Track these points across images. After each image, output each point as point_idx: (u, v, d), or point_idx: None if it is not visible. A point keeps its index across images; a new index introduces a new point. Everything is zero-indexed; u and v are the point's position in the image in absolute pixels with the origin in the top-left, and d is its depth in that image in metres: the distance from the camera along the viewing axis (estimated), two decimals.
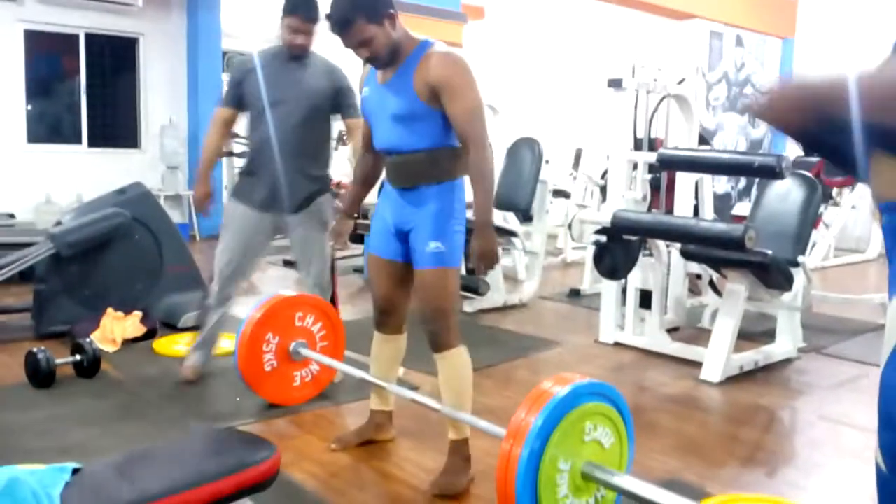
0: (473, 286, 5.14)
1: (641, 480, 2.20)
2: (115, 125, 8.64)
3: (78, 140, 8.30)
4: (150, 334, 4.29)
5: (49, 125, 8.36)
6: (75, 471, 1.44)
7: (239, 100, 3.43)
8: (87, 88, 8.27)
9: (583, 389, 2.17)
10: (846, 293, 5.66)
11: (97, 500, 1.36)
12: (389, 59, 2.52)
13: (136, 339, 4.21)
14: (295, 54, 3.36)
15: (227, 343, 4.16)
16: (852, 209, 7.35)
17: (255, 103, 3.37)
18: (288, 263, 6.78)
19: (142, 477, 1.46)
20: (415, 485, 2.60)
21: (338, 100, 3.48)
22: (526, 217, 5.73)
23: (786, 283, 4.03)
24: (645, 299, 4.46)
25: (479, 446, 2.68)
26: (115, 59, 8.50)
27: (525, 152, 5.74)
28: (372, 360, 2.94)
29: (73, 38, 8.12)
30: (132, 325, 4.22)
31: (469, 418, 2.59)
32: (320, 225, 3.55)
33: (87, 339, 3.71)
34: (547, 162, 5.75)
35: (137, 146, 8.70)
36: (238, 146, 6.74)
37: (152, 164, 8.57)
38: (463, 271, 5.10)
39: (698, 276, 5.12)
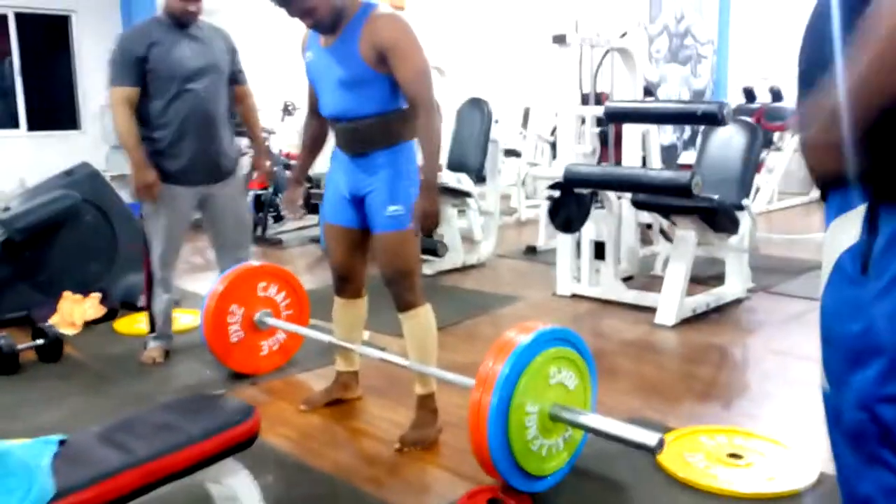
0: (432, 248, 5.20)
1: (602, 417, 2.31)
2: (53, 107, 8.39)
3: (15, 124, 8.05)
4: (111, 315, 4.26)
5: None
6: (61, 442, 1.47)
7: (141, 76, 3.25)
8: (21, 70, 8.01)
9: (545, 336, 2.26)
10: (791, 234, 5.87)
11: (87, 467, 1.40)
12: (333, 24, 2.52)
13: (96, 321, 4.17)
14: (185, 21, 3.29)
15: (188, 318, 4.18)
16: (794, 153, 7.57)
17: (168, 78, 3.25)
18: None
19: (128, 443, 1.50)
20: (388, 440, 2.68)
21: (233, 63, 3.48)
22: (479, 178, 5.78)
23: (732, 226, 4.18)
24: (599, 250, 4.58)
25: (448, 399, 2.77)
26: (48, 38, 8.23)
27: (474, 113, 5.77)
28: (335, 325, 2.99)
29: (2, 19, 7.84)
30: (91, 306, 4.18)
31: (437, 372, 2.67)
32: (243, 193, 3.63)
33: (48, 324, 3.68)
34: (497, 122, 5.80)
35: (78, 127, 8.48)
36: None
37: (94, 144, 8.36)
38: None
39: (649, 226, 5.27)
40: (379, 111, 2.57)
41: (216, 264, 3.69)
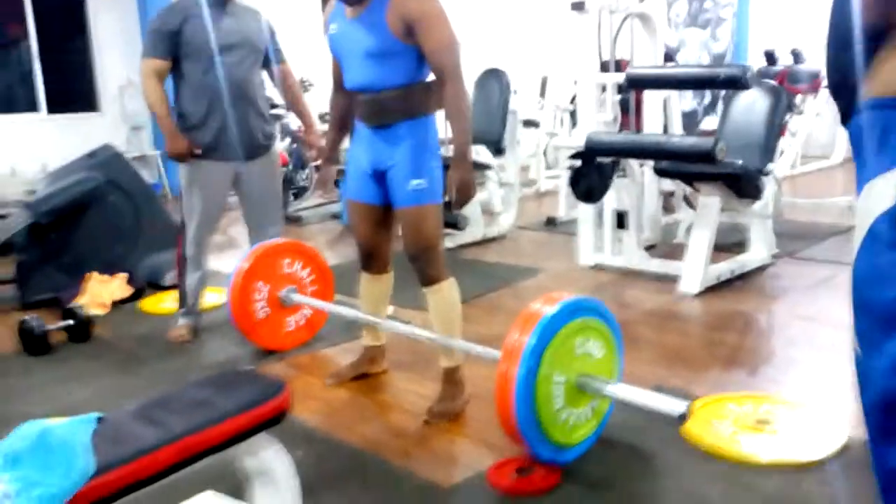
0: (453, 221, 5.20)
1: (628, 386, 2.32)
2: (72, 89, 8.44)
3: (35, 108, 8.11)
4: (137, 295, 4.32)
5: (3, 96, 8.15)
6: (99, 420, 1.50)
7: (174, 49, 3.30)
8: (39, 54, 8.05)
9: (571, 306, 2.26)
10: (814, 199, 5.80)
11: (126, 444, 1.42)
12: None
13: (123, 301, 4.23)
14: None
15: (214, 296, 4.22)
16: (816, 116, 7.45)
17: (201, 51, 3.28)
18: None
19: (164, 420, 1.52)
20: (415, 413, 2.70)
21: (268, 42, 3.50)
22: (498, 150, 5.75)
23: (756, 192, 4.14)
24: (621, 220, 4.55)
25: (474, 372, 2.79)
26: (64, 20, 8.26)
27: (493, 84, 5.73)
28: (362, 300, 3.01)
29: (18, 2, 7.86)
30: (119, 286, 4.24)
31: (463, 344, 2.69)
32: (277, 171, 3.66)
33: (77, 304, 3.74)
34: (515, 92, 5.75)
35: (97, 109, 8.53)
36: None
37: (114, 125, 8.42)
38: None
39: (671, 194, 5.22)
40: (403, 83, 2.57)
41: (248, 241, 3.71)
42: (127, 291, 4.26)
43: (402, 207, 2.65)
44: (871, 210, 1.04)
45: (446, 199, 2.62)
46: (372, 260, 2.90)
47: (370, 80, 2.59)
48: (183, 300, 3.65)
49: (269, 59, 3.54)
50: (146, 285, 4.44)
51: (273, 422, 1.66)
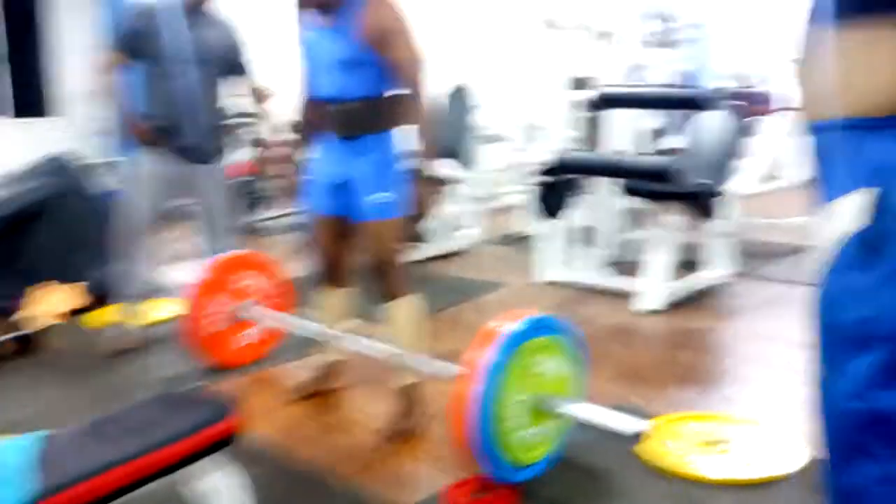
0: (416, 234, 5.18)
1: (587, 405, 2.31)
2: (28, 95, 8.27)
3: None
4: (91, 306, 4.22)
5: None
6: (43, 440, 1.45)
7: (136, 48, 3.31)
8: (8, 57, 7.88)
9: (533, 324, 2.26)
10: (770, 218, 5.90)
11: (71, 466, 1.38)
12: (329, 5, 2.52)
13: (76, 312, 4.13)
14: (194, 6, 3.33)
15: (167, 308, 4.14)
16: (775, 137, 7.60)
17: (163, 59, 3.30)
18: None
19: (112, 441, 1.48)
20: (372, 431, 2.67)
21: (235, 55, 3.52)
22: (464, 163, 5.75)
23: (716, 211, 4.19)
24: (584, 236, 4.57)
25: (433, 388, 2.75)
26: (18, 26, 8.08)
27: (458, 99, 5.74)
28: (323, 314, 2.97)
29: None
30: (73, 296, 4.13)
31: (423, 361, 2.66)
32: (223, 182, 3.67)
33: (25, 315, 3.63)
34: (480, 107, 5.77)
35: (57, 113, 8.36)
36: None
37: (77, 131, 8.26)
38: None
39: (633, 211, 5.26)
40: (371, 94, 2.57)
41: (203, 250, 3.66)
42: (80, 302, 4.15)
43: (366, 220, 2.63)
44: (836, 229, 1.04)
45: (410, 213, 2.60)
46: (333, 273, 2.86)
47: (338, 89, 2.58)
48: (120, 309, 3.61)
49: (235, 70, 3.54)
50: (100, 296, 4.33)
51: (222, 444, 1.62)
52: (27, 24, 8.16)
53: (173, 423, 1.58)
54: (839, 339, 1.06)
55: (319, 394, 2.99)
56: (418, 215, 2.55)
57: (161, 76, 3.33)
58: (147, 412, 1.66)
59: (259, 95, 3.77)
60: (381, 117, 2.60)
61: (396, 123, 2.64)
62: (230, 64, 3.52)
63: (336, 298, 2.92)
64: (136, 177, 3.43)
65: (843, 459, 1.09)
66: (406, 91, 2.52)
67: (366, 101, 2.57)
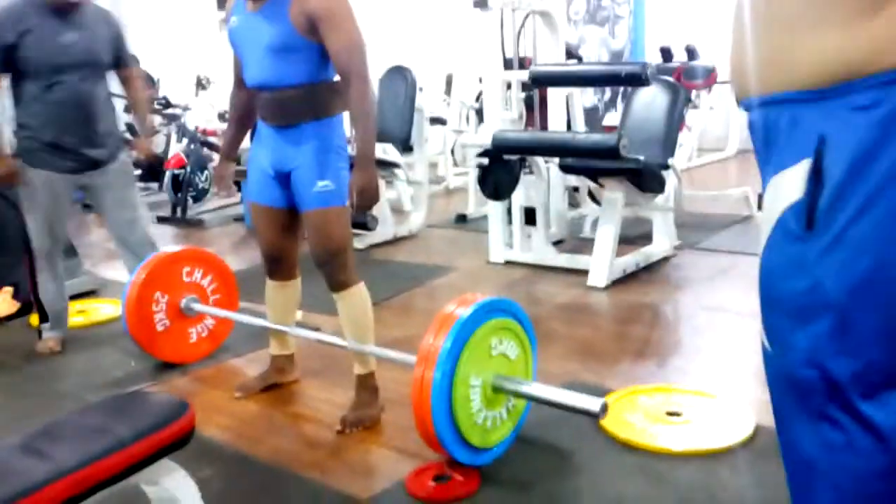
0: (362, 221, 5.10)
1: (547, 385, 2.31)
2: None
3: None
4: (24, 310, 4.04)
5: None
6: None
7: (9, 62, 3.11)
8: None
9: (485, 307, 2.24)
10: (710, 190, 6.01)
11: (8, 482, 1.29)
12: None
13: (8, 317, 3.96)
14: (64, 5, 3.13)
15: (110, 308, 4.00)
16: (710, 110, 7.73)
17: (41, 68, 3.11)
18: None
19: (52, 452, 1.39)
20: (328, 423, 2.62)
21: (117, 48, 3.37)
22: (405, 147, 5.70)
23: (658, 186, 4.24)
24: (529, 216, 4.58)
25: (388, 376, 2.72)
26: None
27: (398, 82, 5.67)
28: (268, 307, 2.89)
29: None
30: (3, 301, 3.96)
31: (377, 350, 2.62)
32: (132, 179, 3.58)
33: None
34: (421, 90, 5.71)
35: None
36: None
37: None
38: None
39: (576, 189, 5.30)
40: (307, 81, 2.47)
41: (118, 251, 3.59)
42: (13, 307, 3.98)
43: (309, 210, 2.56)
44: (778, 203, 1.04)
45: (351, 202, 2.54)
46: (277, 266, 2.79)
47: (271, 76, 2.48)
48: (43, 312, 3.47)
49: (117, 61, 3.39)
50: (33, 299, 4.15)
51: (176, 446, 1.55)
52: None
53: (121, 427, 1.50)
54: (784, 310, 1.06)
55: (272, 388, 2.92)
56: (359, 205, 2.47)
57: (44, 87, 3.13)
58: (91, 418, 1.58)
59: (139, 92, 3.63)
60: (320, 105, 2.51)
61: (337, 111, 2.56)
62: (115, 56, 3.35)
63: (282, 291, 2.84)
64: (29, 189, 3.27)
65: (798, 430, 1.10)
66: (345, 78, 2.44)
67: (301, 87, 2.47)
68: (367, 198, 2.45)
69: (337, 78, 2.51)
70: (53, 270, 3.41)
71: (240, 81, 2.71)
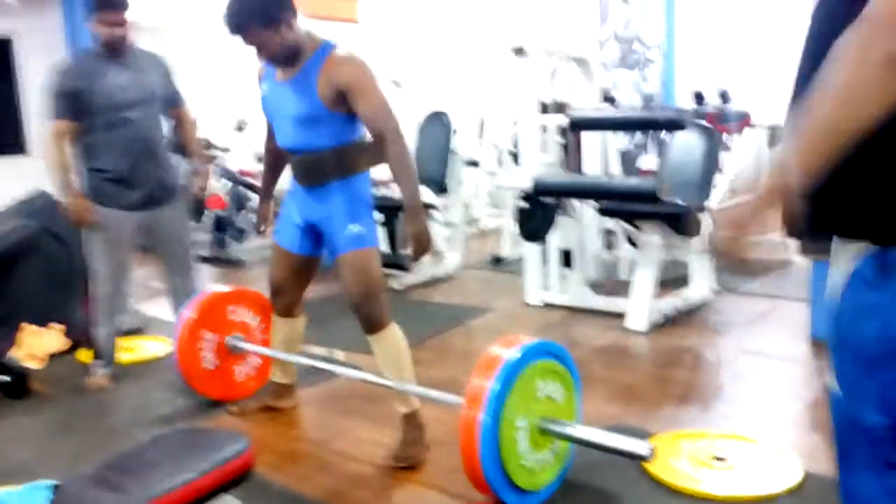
0: (399, 263, 5.18)
1: (592, 428, 2.33)
2: (9, 131, 8.16)
3: None
4: (74, 346, 4.14)
5: None
6: (55, 487, 1.42)
7: (76, 109, 3.28)
8: None
9: (532, 350, 2.27)
10: None
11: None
12: (288, 60, 2.58)
13: (59, 353, 4.05)
14: (116, 48, 3.32)
15: (155, 346, 4.09)
16: (743, 154, 7.75)
17: (104, 109, 3.28)
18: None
19: (124, 485, 1.45)
20: (373, 461, 2.65)
21: (168, 87, 3.53)
22: (440, 189, 5.78)
23: (696, 229, 4.26)
24: (566, 258, 4.61)
25: (429, 416, 2.75)
26: None
27: (435, 125, 5.78)
28: (273, 341, 3.09)
29: None
30: (54, 338, 4.06)
31: (419, 389, 2.66)
32: (184, 220, 3.70)
33: (11, 357, 3.56)
34: (455, 132, 5.82)
35: (24, 152, 8.24)
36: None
37: (43, 169, 8.15)
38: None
39: (610, 232, 5.33)
40: (333, 144, 2.63)
41: (166, 289, 3.69)
42: (64, 343, 4.08)
43: (343, 253, 2.67)
44: (850, 251, 1.08)
45: (406, 251, 2.63)
46: (278, 300, 2.99)
47: (299, 142, 2.65)
48: (98, 350, 3.57)
49: (169, 100, 3.54)
50: (82, 336, 4.26)
51: (238, 481, 1.60)
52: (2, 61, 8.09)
53: (186, 461, 1.56)
54: (857, 354, 1.09)
55: (268, 410, 3.10)
56: (415, 252, 2.56)
57: (107, 126, 3.31)
58: (156, 452, 1.64)
59: (190, 130, 3.75)
60: (344, 165, 2.66)
61: (362, 169, 2.71)
62: (167, 95, 3.52)
63: (285, 326, 3.03)
64: (97, 241, 3.41)
65: (865, 473, 1.11)
66: (379, 139, 2.54)
67: (327, 151, 2.62)
68: (422, 245, 2.54)
69: (362, 137, 2.66)
70: (113, 310, 3.52)
71: (271, 136, 2.90)
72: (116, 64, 3.33)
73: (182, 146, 3.86)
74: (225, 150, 7.59)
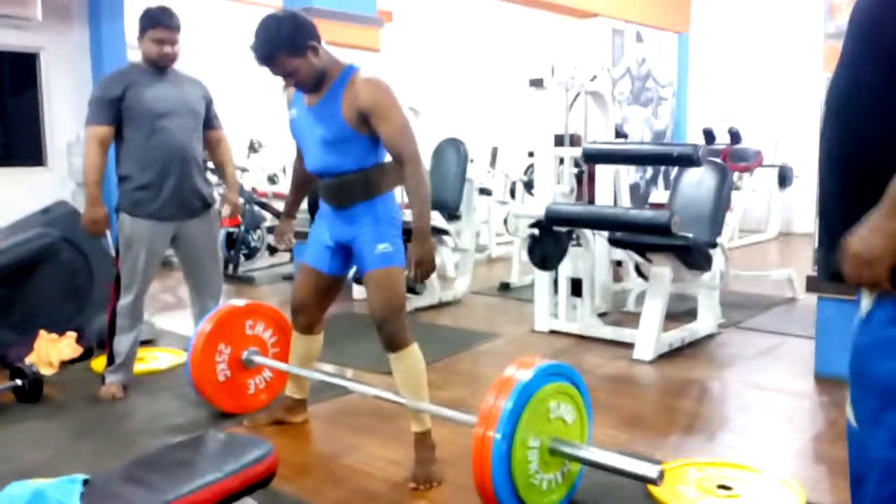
0: (409, 286, 5.23)
1: (604, 450, 2.37)
2: (19, 143, 8.28)
3: None
4: (87, 354, 4.19)
5: None
6: (85, 481, 1.47)
7: (117, 116, 3.40)
8: None
9: (545, 371, 2.32)
10: (753, 270, 6.05)
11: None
12: (315, 85, 2.67)
13: (72, 361, 4.10)
14: (162, 66, 3.45)
15: (167, 357, 4.14)
16: (752, 192, 7.83)
17: (143, 117, 3.40)
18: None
19: (153, 482, 1.50)
20: (384, 477, 2.69)
21: (207, 109, 3.65)
22: (452, 215, 5.86)
23: (706, 263, 4.31)
24: (575, 287, 4.67)
25: (438, 435, 2.79)
26: (15, 75, 8.14)
27: (451, 153, 5.88)
28: (290, 355, 3.14)
29: None
30: (68, 345, 4.10)
31: (434, 408, 2.70)
32: (216, 232, 3.77)
33: (27, 363, 3.61)
34: (471, 161, 5.91)
35: (43, 164, 8.36)
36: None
37: (61, 181, 8.25)
38: None
39: (618, 263, 5.40)
40: (360, 167, 2.71)
41: (190, 300, 3.76)
42: (77, 351, 4.12)
43: (371, 270, 2.72)
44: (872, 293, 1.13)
45: (407, 273, 2.69)
46: (299, 316, 3.04)
47: (328, 165, 2.73)
48: (111, 357, 3.61)
49: (207, 122, 3.66)
50: (96, 345, 4.32)
51: (261, 484, 1.65)
52: (21, 73, 8.22)
53: (212, 463, 1.61)
54: (875, 389, 1.12)
55: (279, 423, 3.15)
56: (417, 276, 2.63)
57: (146, 134, 3.40)
58: (183, 453, 1.68)
59: (226, 153, 3.85)
60: (371, 186, 2.74)
61: (388, 189, 2.79)
62: (205, 117, 3.63)
63: (303, 342, 3.09)
64: (133, 239, 3.48)
65: None
66: (398, 161, 2.62)
67: (354, 173, 2.71)
68: (425, 269, 2.62)
69: (387, 159, 2.73)
70: (135, 320, 3.57)
71: (300, 157, 2.99)
72: (159, 76, 3.46)
73: (217, 170, 3.96)
74: (244, 169, 7.71)
